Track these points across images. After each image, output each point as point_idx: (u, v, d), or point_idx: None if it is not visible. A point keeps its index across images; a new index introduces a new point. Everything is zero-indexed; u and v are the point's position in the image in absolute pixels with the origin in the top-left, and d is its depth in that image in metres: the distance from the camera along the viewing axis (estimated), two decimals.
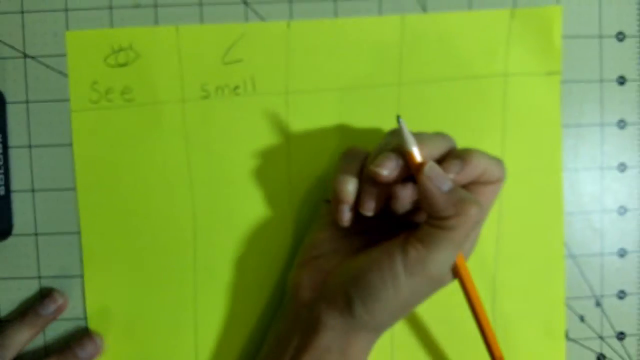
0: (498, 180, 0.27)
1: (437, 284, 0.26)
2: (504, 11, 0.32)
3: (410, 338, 0.33)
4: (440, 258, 0.25)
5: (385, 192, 0.26)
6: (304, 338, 0.27)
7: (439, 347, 0.33)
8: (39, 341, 0.32)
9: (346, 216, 0.27)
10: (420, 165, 0.25)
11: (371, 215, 0.26)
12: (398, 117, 0.26)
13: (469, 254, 0.28)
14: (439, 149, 0.26)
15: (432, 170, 0.25)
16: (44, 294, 0.32)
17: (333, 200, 0.27)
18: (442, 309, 0.32)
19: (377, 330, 0.28)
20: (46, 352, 0.32)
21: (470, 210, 0.24)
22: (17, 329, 0.31)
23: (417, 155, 0.25)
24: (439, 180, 0.25)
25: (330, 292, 0.27)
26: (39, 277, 0.32)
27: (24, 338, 0.31)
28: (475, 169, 0.26)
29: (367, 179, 0.26)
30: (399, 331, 0.33)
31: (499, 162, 0.27)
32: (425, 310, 0.32)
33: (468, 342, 0.32)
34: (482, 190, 0.27)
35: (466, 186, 0.26)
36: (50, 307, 0.31)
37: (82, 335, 0.32)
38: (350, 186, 0.27)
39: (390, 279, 0.25)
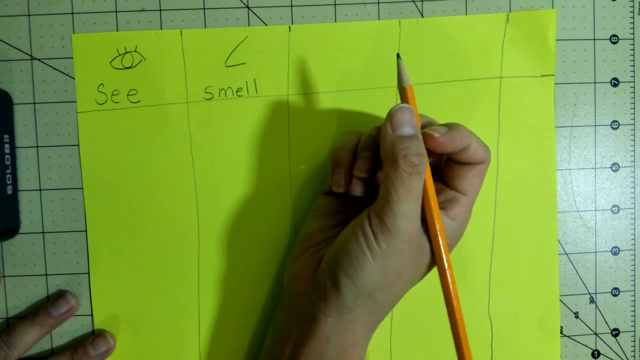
0: (482, 161, 0.27)
1: (410, 243, 0.25)
2: (500, 15, 0.33)
3: (408, 337, 0.33)
4: (396, 210, 0.24)
5: (377, 159, 0.27)
6: (302, 330, 0.27)
7: (437, 345, 0.33)
8: (45, 338, 0.32)
9: (341, 180, 0.28)
10: None
11: (364, 176, 0.27)
12: (397, 55, 0.27)
13: (457, 235, 0.28)
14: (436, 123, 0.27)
15: (399, 110, 0.25)
16: (57, 295, 0.32)
17: (331, 167, 0.29)
18: (442, 307, 0.32)
19: (373, 313, 0.27)
20: (52, 349, 0.32)
21: (406, 156, 0.24)
22: (27, 328, 0.31)
23: (410, 92, 0.26)
24: (399, 121, 0.25)
25: (319, 277, 0.27)
26: (46, 275, 0.33)
27: (33, 337, 0.31)
28: (460, 137, 0.26)
29: (363, 148, 0.28)
30: (397, 330, 0.33)
31: (485, 144, 0.27)
32: (425, 308, 0.33)
33: (469, 341, 0.32)
34: (468, 171, 0.27)
35: (450, 166, 0.27)
36: (63, 308, 0.31)
37: (95, 333, 0.32)
38: (346, 152, 0.28)
39: (363, 242, 0.25)
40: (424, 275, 0.27)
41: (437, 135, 0.25)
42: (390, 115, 0.26)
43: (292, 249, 0.31)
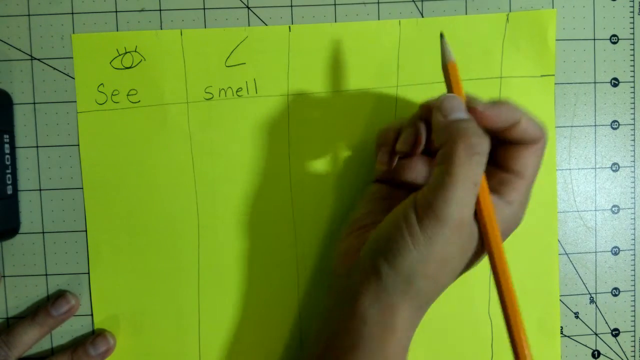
0: (537, 140, 0.25)
1: (459, 232, 0.24)
2: (500, 15, 0.33)
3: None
4: (449, 196, 0.23)
5: (418, 137, 0.27)
6: (341, 310, 0.26)
7: (444, 345, 0.33)
8: (45, 338, 0.32)
9: (384, 157, 0.29)
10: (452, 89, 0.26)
11: (405, 150, 0.27)
12: (441, 34, 0.27)
13: (514, 221, 0.26)
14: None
15: (446, 98, 0.25)
16: (57, 295, 0.32)
17: (376, 147, 0.30)
18: (444, 306, 0.32)
19: (414, 300, 0.25)
20: (52, 349, 0.32)
21: (464, 137, 0.23)
22: (27, 327, 0.31)
23: (453, 70, 0.26)
24: (449, 107, 0.24)
25: (361, 259, 0.26)
26: (46, 275, 0.32)
27: (33, 337, 0.31)
28: (507, 112, 0.24)
29: (407, 126, 0.28)
30: None
31: (539, 122, 0.25)
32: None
33: (469, 341, 0.32)
34: (521, 151, 0.25)
35: (503, 147, 0.26)
36: (63, 308, 0.31)
37: (94, 333, 0.32)
38: (390, 132, 0.29)
39: (404, 227, 0.24)
40: (473, 264, 0.26)
41: (480, 108, 0.24)
42: (439, 104, 0.25)
43: (296, 253, 0.30)
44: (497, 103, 0.25)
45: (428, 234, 0.23)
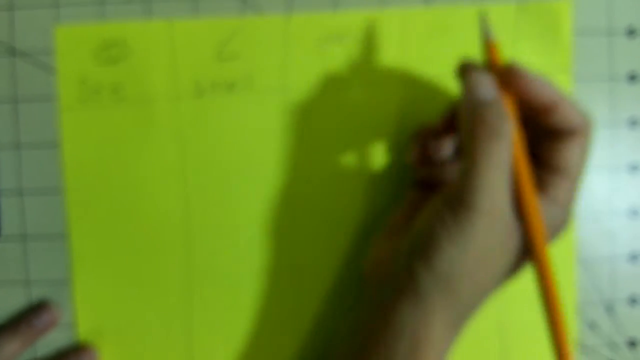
0: (579, 130, 0.24)
1: (493, 221, 0.23)
2: (509, 6, 0.32)
3: None
4: (475, 183, 0.22)
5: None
6: (371, 323, 0.25)
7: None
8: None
9: (415, 154, 0.29)
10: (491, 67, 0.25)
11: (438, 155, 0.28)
12: (481, 15, 0.26)
13: (559, 222, 0.25)
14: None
15: (473, 74, 0.24)
16: (39, 305, 0.31)
17: (410, 145, 0.30)
18: None
19: (453, 305, 0.23)
20: None
21: (482, 118, 0.23)
22: (8, 340, 0.30)
23: (494, 50, 0.25)
24: (475, 86, 0.24)
25: (393, 264, 0.25)
26: (27, 283, 0.32)
27: (14, 350, 0.30)
28: (543, 87, 0.23)
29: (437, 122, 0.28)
30: None
31: (582, 110, 0.24)
32: None
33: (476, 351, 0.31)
34: (562, 143, 0.24)
35: (545, 142, 0.24)
36: (46, 319, 0.31)
37: (77, 346, 0.31)
38: (423, 129, 0.29)
39: (437, 222, 0.23)
40: (518, 268, 0.25)
41: (524, 79, 0.23)
42: (467, 81, 0.24)
43: (292, 258, 0.30)
44: (540, 78, 0.24)
45: (461, 225, 0.22)
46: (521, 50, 0.32)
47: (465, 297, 0.23)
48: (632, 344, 0.33)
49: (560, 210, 0.24)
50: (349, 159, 0.32)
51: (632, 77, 0.33)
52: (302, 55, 0.31)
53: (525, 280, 0.32)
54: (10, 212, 0.31)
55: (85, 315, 0.31)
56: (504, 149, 0.23)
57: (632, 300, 0.33)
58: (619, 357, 0.33)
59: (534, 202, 0.23)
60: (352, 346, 0.25)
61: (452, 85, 0.32)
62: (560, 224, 0.25)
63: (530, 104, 0.24)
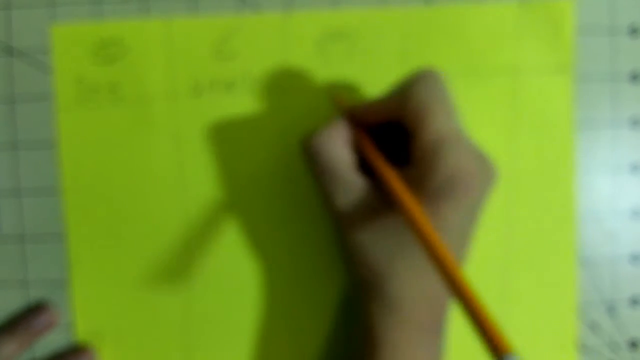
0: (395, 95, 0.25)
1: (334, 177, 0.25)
2: (512, 5, 0.31)
3: None
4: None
5: None
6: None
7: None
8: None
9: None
10: None
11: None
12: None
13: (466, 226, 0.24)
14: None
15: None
16: (37, 306, 0.31)
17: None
18: None
19: (387, 308, 0.24)
20: None
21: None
22: (6, 341, 0.30)
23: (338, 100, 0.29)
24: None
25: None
26: (25, 283, 0.31)
27: (12, 351, 0.30)
28: (371, 108, 0.26)
29: None
30: None
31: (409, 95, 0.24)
32: None
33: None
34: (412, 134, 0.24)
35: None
36: (44, 320, 0.30)
37: (75, 347, 0.31)
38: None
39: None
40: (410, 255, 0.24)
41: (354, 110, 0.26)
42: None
43: (291, 259, 0.30)
44: (366, 103, 0.26)
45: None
46: (523, 49, 0.31)
47: (395, 298, 0.24)
48: (633, 344, 0.33)
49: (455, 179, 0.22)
50: None
51: (634, 77, 0.32)
52: (301, 54, 0.31)
53: (525, 281, 0.32)
54: (7, 213, 0.31)
55: (83, 316, 0.31)
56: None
57: (634, 301, 0.33)
58: (620, 358, 0.33)
59: (419, 213, 0.21)
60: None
61: (453, 84, 0.31)
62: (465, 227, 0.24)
63: (379, 122, 0.25)
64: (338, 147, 0.26)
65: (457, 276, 0.18)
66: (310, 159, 0.26)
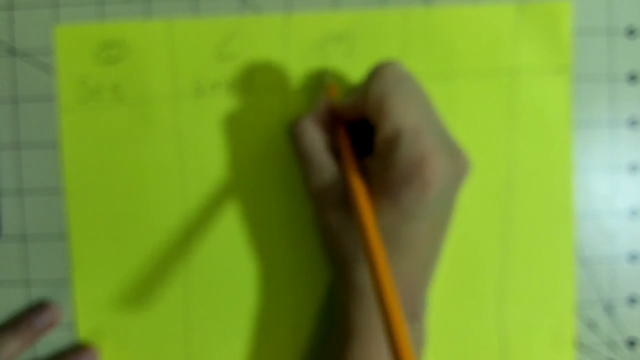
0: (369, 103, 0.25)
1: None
2: (510, 6, 0.31)
3: None
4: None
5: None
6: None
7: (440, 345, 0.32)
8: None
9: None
10: None
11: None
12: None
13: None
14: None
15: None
16: (40, 305, 0.31)
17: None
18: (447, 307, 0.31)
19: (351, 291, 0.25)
20: None
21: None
22: (9, 340, 0.30)
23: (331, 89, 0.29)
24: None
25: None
26: (27, 282, 0.31)
27: (14, 350, 0.30)
28: (348, 105, 0.26)
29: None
30: None
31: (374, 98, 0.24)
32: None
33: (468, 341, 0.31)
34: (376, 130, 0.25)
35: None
36: (46, 319, 0.30)
37: (77, 346, 0.31)
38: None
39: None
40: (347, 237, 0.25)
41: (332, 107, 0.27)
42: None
43: (294, 261, 0.31)
44: (345, 100, 0.27)
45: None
46: (521, 50, 0.32)
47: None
48: (631, 343, 0.33)
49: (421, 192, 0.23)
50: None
51: (632, 77, 0.32)
52: (302, 55, 0.31)
53: (524, 281, 0.32)
54: (10, 212, 0.31)
55: (85, 315, 0.31)
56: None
57: (632, 300, 0.33)
58: (618, 357, 0.33)
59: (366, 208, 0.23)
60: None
61: (452, 85, 0.31)
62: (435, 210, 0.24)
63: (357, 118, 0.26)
64: (316, 131, 0.27)
65: (381, 279, 0.20)
66: (293, 142, 0.28)
